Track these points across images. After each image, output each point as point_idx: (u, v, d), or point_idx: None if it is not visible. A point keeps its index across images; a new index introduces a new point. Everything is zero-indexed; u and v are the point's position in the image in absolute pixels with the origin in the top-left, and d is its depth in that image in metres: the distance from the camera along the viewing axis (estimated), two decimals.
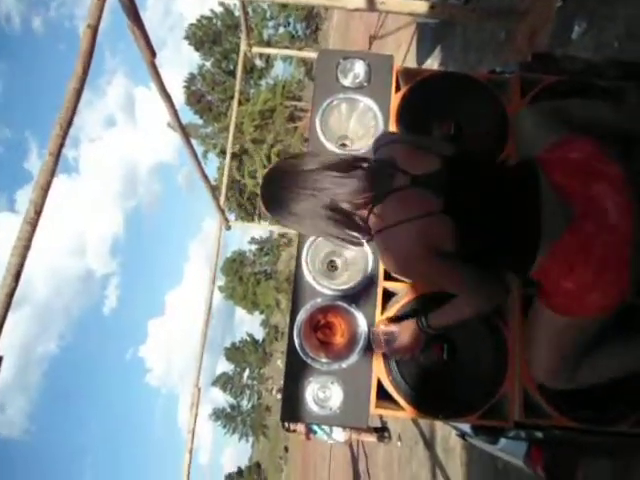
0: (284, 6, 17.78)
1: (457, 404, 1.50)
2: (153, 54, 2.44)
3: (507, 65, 1.90)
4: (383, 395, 1.58)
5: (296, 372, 1.58)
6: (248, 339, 35.68)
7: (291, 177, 1.13)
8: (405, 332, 1.35)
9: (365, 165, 1.15)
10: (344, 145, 1.64)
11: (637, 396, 1.49)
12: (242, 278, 28.69)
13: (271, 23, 19.05)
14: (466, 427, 1.62)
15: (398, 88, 1.69)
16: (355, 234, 1.16)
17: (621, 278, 1.09)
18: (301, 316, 1.60)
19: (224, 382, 38.52)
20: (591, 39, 2.49)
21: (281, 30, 19.11)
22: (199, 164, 3.51)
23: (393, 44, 7.22)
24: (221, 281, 28.27)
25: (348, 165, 1.14)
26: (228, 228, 4.99)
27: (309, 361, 1.58)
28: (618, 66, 1.64)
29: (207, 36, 18.76)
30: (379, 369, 1.54)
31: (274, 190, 1.16)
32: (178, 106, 2.92)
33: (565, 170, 1.12)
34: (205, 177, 3.69)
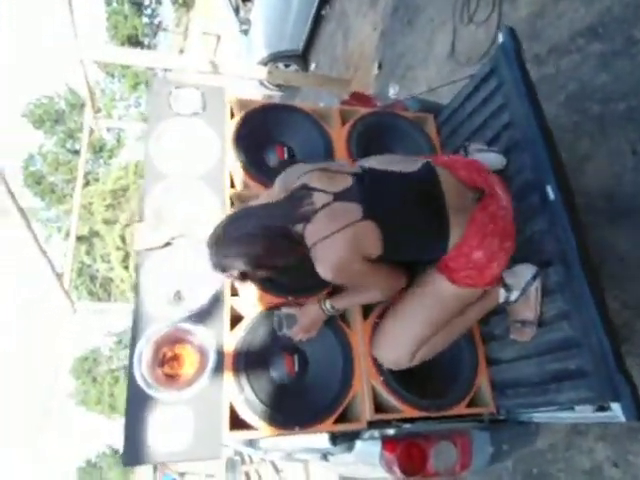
0: (134, 87, 17.76)
1: (312, 412, 1.49)
2: None
3: (329, 100, 2.14)
4: (238, 420, 1.50)
5: (138, 407, 1.43)
6: (107, 451, 30.43)
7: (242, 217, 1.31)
8: (306, 314, 1.51)
9: (288, 195, 1.34)
10: (180, 168, 1.65)
11: (468, 380, 1.65)
12: (96, 379, 25.06)
13: (121, 104, 18.76)
14: (324, 442, 1.60)
15: (232, 116, 1.79)
16: (294, 249, 1.29)
17: (513, 246, 1.39)
18: (142, 343, 1.48)
19: None
20: (403, 97, 2.97)
21: (132, 110, 18.87)
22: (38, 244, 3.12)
23: None
24: (71, 386, 24.53)
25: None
26: (74, 312, 4.46)
27: (153, 392, 1.44)
28: (419, 102, 1.97)
29: (48, 115, 17.69)
30: (231, 390, 1.48)
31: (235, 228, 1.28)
32: (15, 189, 2.59)
33: (465, 168, 1.42)
34: (44, 254, 3.29)
